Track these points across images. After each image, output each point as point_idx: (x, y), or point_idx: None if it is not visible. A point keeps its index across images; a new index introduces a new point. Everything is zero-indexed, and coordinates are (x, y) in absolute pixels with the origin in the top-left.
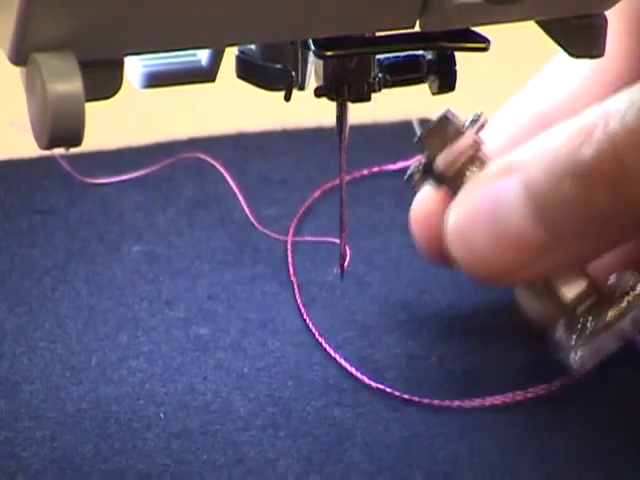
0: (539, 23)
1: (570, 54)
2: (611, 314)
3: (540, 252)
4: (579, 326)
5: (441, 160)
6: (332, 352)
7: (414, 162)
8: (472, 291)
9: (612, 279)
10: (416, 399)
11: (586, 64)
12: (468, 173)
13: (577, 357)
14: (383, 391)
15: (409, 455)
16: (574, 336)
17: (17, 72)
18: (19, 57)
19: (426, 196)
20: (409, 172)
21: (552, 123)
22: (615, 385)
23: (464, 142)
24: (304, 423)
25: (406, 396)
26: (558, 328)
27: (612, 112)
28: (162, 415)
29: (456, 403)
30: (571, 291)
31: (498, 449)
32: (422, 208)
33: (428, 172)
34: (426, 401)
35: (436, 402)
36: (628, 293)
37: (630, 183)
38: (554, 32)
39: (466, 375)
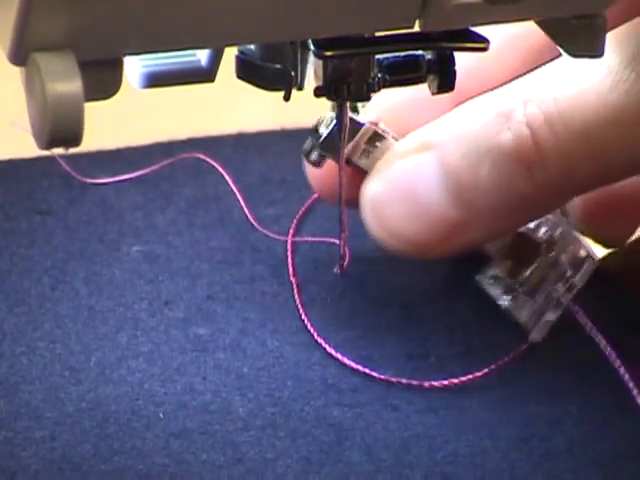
0: (539, 23)
1: (570, 54)
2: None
3: (456, 229)
4: (517, 287)
5: (346, 151)
6: (332, 352)
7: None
8: (472, 291)
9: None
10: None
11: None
12: (373, 149)
13: (525, 318)
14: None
15: (409, 455)
16: (513, 298)
17: (17, 72)
18: (18, 57)
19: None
20: (305, 147)
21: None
22: (614, 383)
23: (363, 129)
24: (303, 423)
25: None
26: (500, 296)
27: (530, 96)
28: (161, 415)
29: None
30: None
31: (498, 449)
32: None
33: (326, 149)
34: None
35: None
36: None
37: (548, 167)
38: (553, 32)
39: (466, 375)
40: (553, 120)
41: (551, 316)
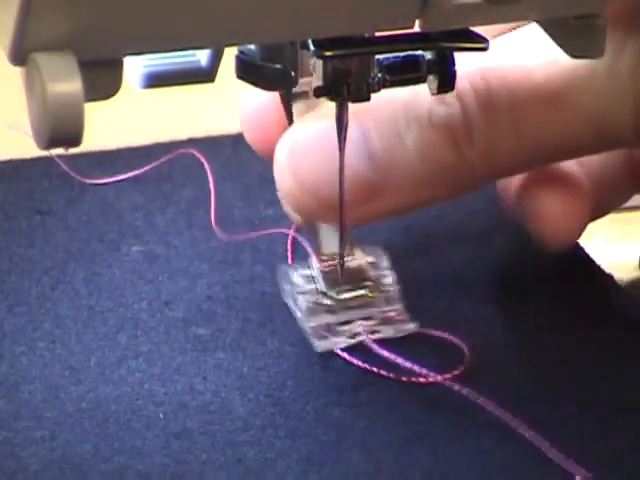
0: (539, 23)
1: (570, 54)
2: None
3: (373, 193)
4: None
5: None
6: (332, 351)
7: None
8: (472, 291)
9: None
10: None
11: None
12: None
13: (312, 324)
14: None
15: (409, 455)
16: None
17: (17, 72)
18: (18, 57)
19: (257, 100)
20: None
21: None
22: (614, 383)
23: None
24: (303, 423)
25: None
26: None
27: (466, 70)
28: (161, 415)
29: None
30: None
31: (498, 449)
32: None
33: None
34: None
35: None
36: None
37: (474, 142)
38: (553, 32)
39: (466, 375)
40: (482, 96)
41: (340, 343)
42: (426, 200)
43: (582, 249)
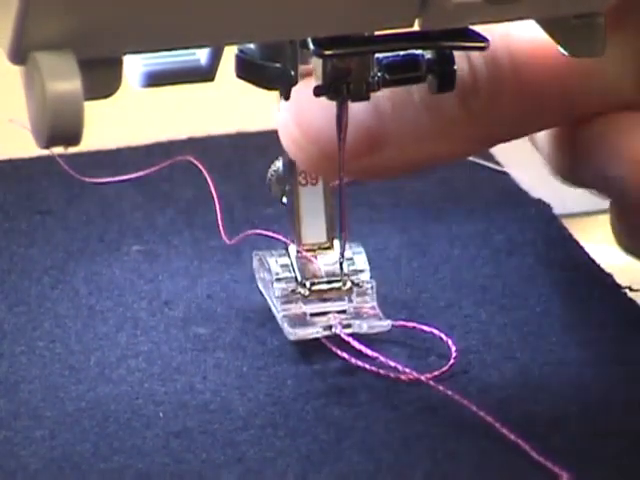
0: (539, 22)
1: (570, 53)
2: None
3: (375, 145)
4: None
5: None
6: (332, 351)
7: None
8: (472, 290)
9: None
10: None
11: None
12: None
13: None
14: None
15: (409, 455)
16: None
17: (16, 70)
18: (18, 56)
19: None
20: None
21: None
22: (614, 383)
23: None
24: (303, 422)
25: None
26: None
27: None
28: (161, 414)
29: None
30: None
31: (498, 449)
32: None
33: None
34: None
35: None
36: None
37: (479, 92)
38: (553, 31)
39: (466, 375)
40: (488, 54)
41: (313, 334)
42: (426, 157)
43: (582, 249)
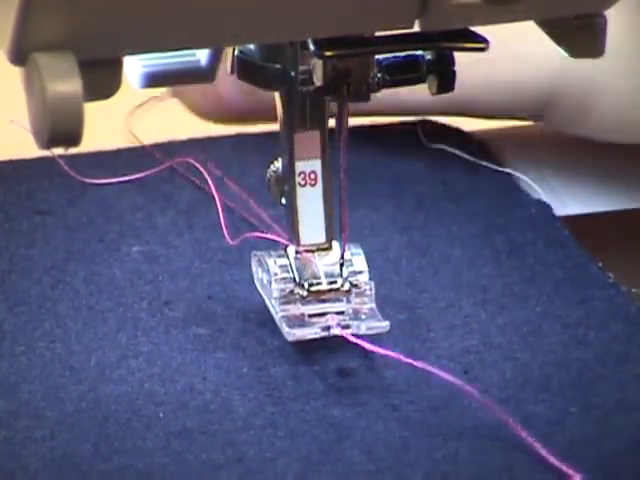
0: (539, 23)
1: (570, 54)
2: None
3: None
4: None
5: None
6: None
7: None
8: (472, 290)
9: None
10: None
11: None
12: None
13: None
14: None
15: (409, 455)
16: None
17: (17, 71)
18: (18, 57)
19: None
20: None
21: None
22: (614, 383)
23: None
24: (303, 422)
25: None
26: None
27: None
28: (161, 415)
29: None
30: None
31: (498, 449)
32: None
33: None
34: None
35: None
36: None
37: None
38: (554, 32)
39: (466, 375)
40: None
41: (312, 334)
42: None
43: (582, 249)
